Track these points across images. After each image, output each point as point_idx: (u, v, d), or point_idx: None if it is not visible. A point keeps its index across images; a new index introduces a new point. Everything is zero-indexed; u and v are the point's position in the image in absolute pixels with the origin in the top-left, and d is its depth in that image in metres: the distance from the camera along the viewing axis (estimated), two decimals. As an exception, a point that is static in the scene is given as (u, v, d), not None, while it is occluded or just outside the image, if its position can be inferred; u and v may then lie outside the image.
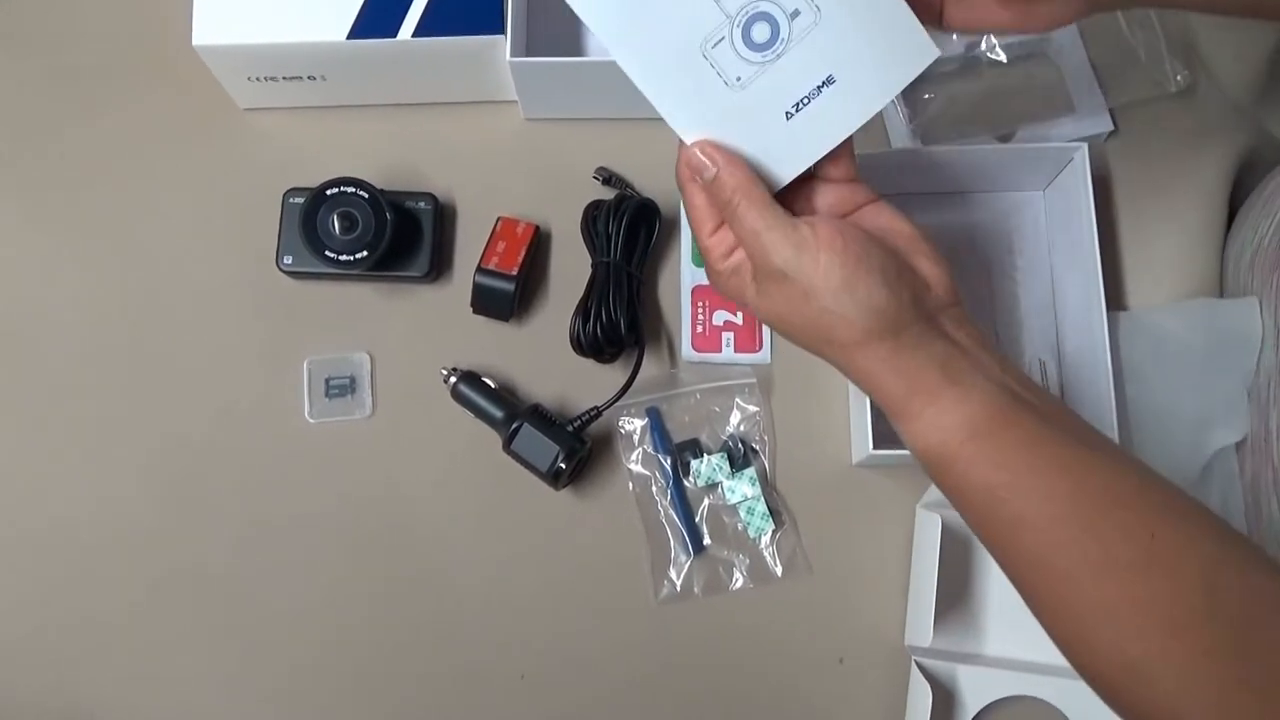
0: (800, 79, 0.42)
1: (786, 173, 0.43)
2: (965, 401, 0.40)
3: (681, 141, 0.43)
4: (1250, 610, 0.35)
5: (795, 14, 0.41)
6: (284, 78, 0.62)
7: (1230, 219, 0.62)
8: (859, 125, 0.43)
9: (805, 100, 0.42)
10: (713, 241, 0.44)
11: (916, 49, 0.42)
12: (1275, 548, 0.54)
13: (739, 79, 0.41)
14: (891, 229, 0.43)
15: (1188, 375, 0.55)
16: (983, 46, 0.62)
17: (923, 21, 0.44)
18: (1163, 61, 0.62)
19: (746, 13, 0.40)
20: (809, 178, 0.44)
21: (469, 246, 0.63)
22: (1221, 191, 0.61)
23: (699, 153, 0.42)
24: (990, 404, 0.40)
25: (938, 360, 0.40)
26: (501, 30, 0.58)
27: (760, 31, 0.41)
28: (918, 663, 0.56)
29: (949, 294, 0.42)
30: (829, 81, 0.42)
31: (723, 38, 0.41)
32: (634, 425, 0.62)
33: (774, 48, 0.41)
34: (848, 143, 0.44)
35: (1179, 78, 0.62)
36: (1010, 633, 0.58)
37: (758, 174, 0.42)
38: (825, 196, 0.45)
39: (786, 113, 0.42)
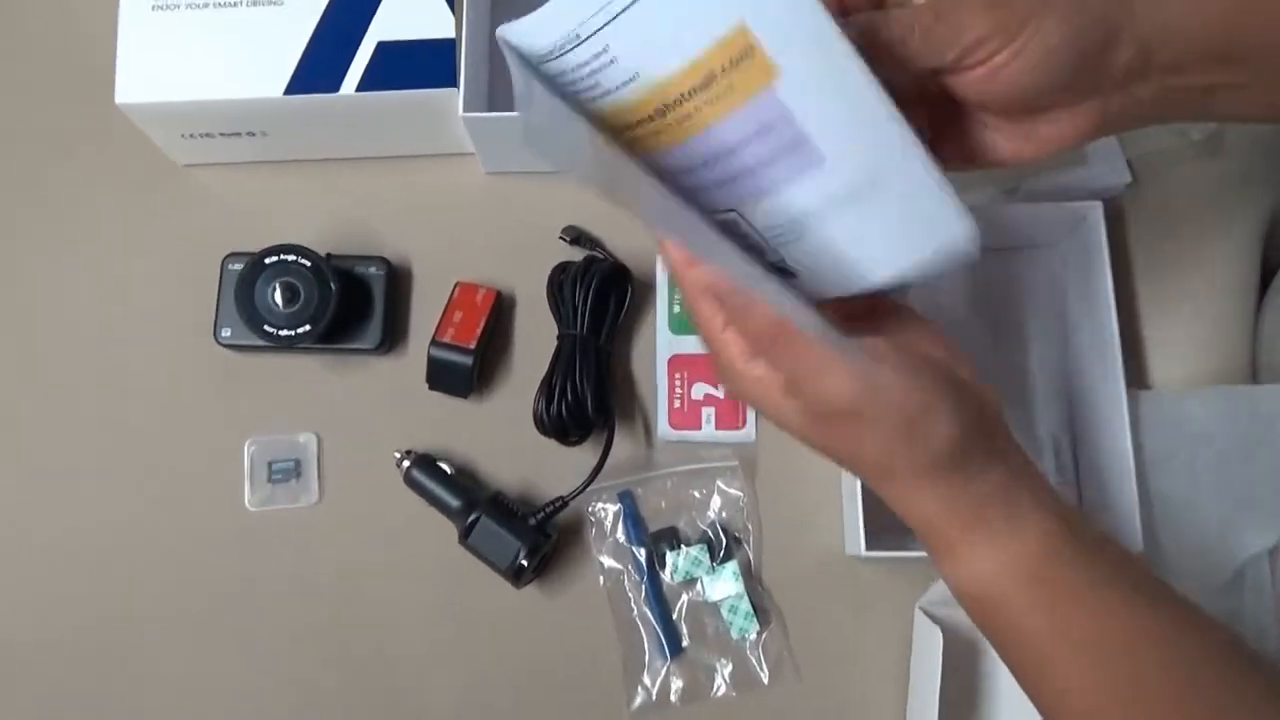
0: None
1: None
2: (1021, 538, 0.37)
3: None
4: None
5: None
6: (221, 134, 0.57)
7: (1265, 283, 0.55)
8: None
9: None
10: (728, 337, 0.38)
11: (956, 227, 0.36)
12: None
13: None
14: (935, 342, 0.38)
15: (1217, 470, 0.49)
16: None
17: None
18: (1186, 107, 0.56)
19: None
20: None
21: (425, 314, 0.58)
22: (1253, 253, 0.55)
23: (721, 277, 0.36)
24: (1047, 540, 0.37)
25: (997, 490, 0.37)
26: (454, 82, 0.53)
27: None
28: (919, 783, 0.51)
29: (998, 408, 0.38)
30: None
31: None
32: (606, 512, 0.56)
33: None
34: None
35: (1203, 124, 0.56)
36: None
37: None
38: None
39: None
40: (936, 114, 0.38)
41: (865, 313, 0.39)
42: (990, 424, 0.38)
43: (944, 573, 0.38)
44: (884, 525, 0.53)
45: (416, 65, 0.54)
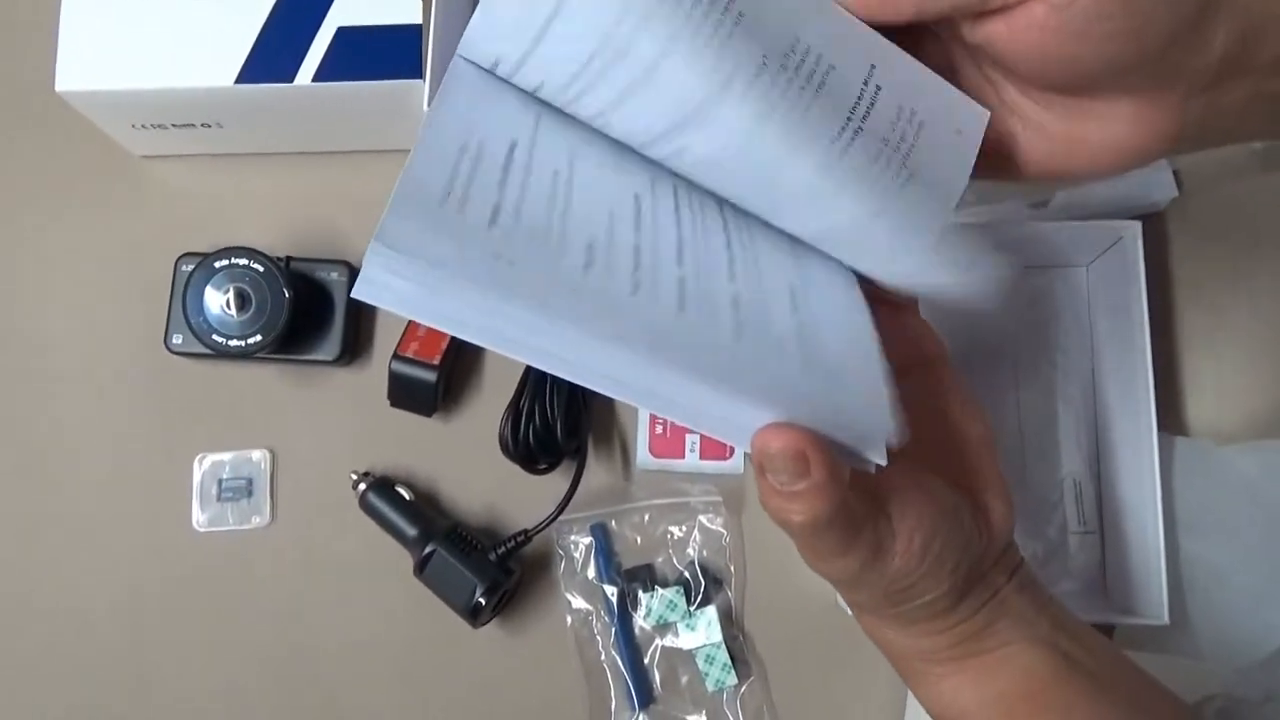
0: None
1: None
2: (1002, 669, 0.33)
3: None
4: None
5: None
6: (174, 125, 0.53)
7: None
8: None
9: None
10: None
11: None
12: None
13: None
14: (964, 434, 0.33)
15: (1261, 534, 0.43)
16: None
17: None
18: (1243, 113, 0.50)
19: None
20: None
21: (390, 324, 0.54)
22: (1315, 286, 0.49)
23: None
24: (1030, 675, 0.33)
25: (982, 618, 0.33)
26: (419, 74, 0.48)
27: None
28: None
29: (1007, 534, 0.33)
30: None
31: None
32: (577, 544, 0.52)
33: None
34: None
35: (1264, 133, 0.50)
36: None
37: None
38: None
39: None
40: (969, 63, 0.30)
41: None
42: (994, 554, 0.33)
43: (916, 694, 0.35)
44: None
45: (379, 53, 0.49)
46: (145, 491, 0.53)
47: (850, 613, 0.44)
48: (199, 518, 0.53)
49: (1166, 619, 0.43)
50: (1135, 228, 0.47)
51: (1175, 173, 0.51)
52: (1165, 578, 0.43)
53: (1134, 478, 0.47)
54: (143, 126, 0.53)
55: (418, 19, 0.49)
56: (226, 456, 0.53)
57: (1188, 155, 0.51)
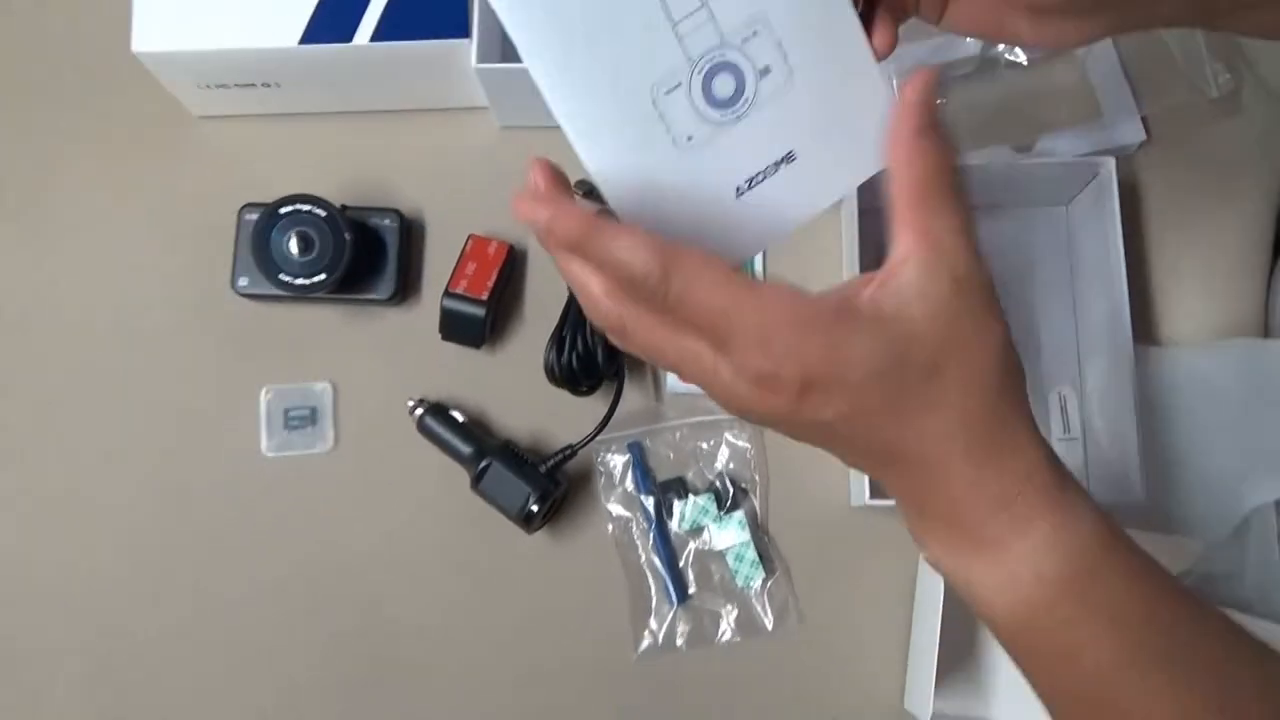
0: (758, 149, 0.34)
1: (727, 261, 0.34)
2: (1074, 529, 0.29)
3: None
4: None
5: (765, 71, 0.33)
6: (236, 85, 0.57)
7: (1278, 243, 0.55)
8: (813, 215, 0.35)
9: (760, 176, 0.34)
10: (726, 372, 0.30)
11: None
12: None
13: (689, 138, 0.33)
14: (949, 240, 0.31)
15: (1224, 423, 0.50)
16: (1000, 47, 0.57)
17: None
18: (1202, 63, 0.56)
19: (711, 60, 0.33)
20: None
21: (438, 266, 0.59)
22: (1266, 215, 0.55)
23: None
24: (1100, 535, 0.30)
25: (1036, 468, 0.30)
26: (467, 33, 0.53)
27: (723, 85, 0.33)
28: (918, 727, 0.52)
29: (1020, 371, 0.31)
30: (789, 158, 0.34)
31: (679, 84, 0.33)
32: (615, 462, 0.57)
33: (735, 107, 0.34)
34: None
35: (1220, 81, 0.56)
36: (1020, 700, 0.53)
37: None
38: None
39: (737, 188, 0.34)
40: None
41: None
42: (1021, 377, 0.30)
43: (969, 580, 0.31)
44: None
45: (430, 15, 0.54)
46: (216, 422, 0.58)
47: (869, 500, 0.50)
48: (267, 444, 0.58)
49: (1143, 495, 0.49)
50: (1110, 162, 0.53)
51: (1144, 119, 0.57)
52: (1140, 460, 0.50)
53: (1113, 385, 0.53)
54: (207, 86, 0.57)
55: (464, -16, 0.54)
56: (291, 388, 0.58)
57: (1155, 105, 0.57)
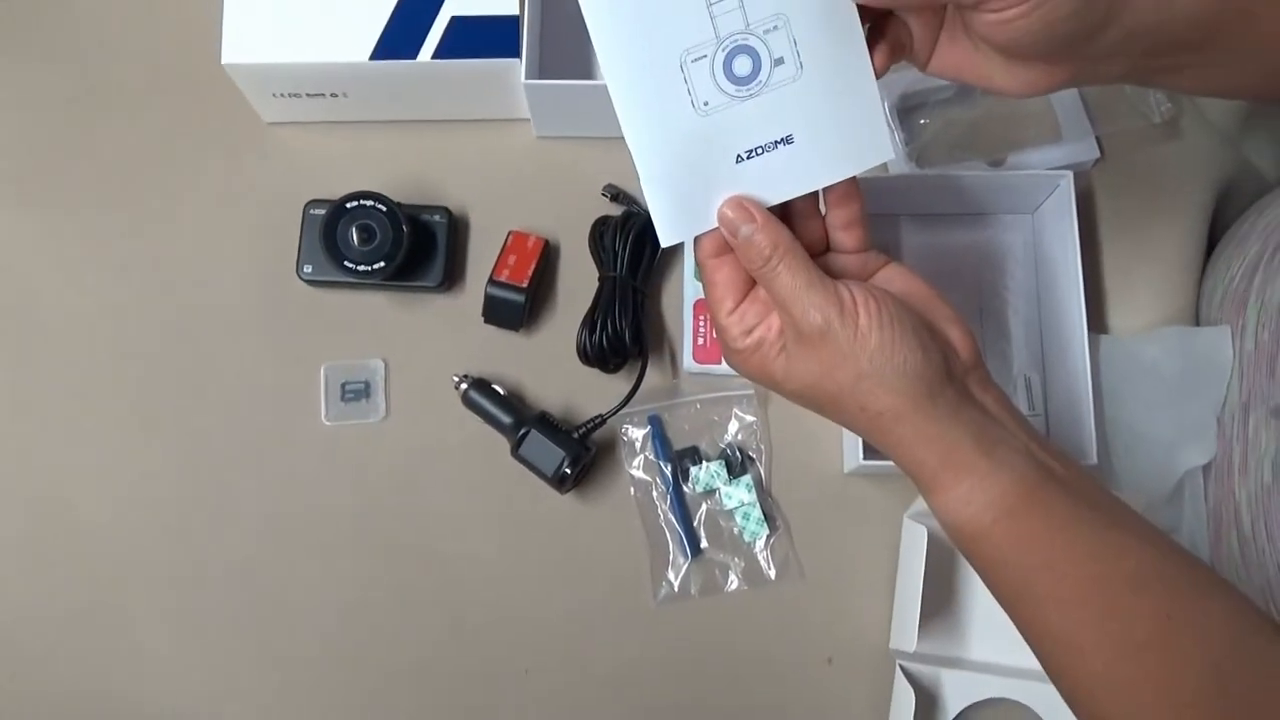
0: (762, 127, 0.41)
1: (714, 217, 0.42)
2: (998, 476, 0.40)
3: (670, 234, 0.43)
4: (1259, 690, 0.37)
5: (779, 61, 0.40)
6: (307, 94, 0.65)
7: (1210, 248, 0.64)
8: (801, 193, 0.42)
9: (759, 150, 0.41)
10: (732, 320, 0.43)
11: (876, 144, 0.42)
12: (1234, 577, 0.56)
13: (706, 104, 0.40)
14: (911, 291, 0.43)
15: (1161, 399, 0.58)
16: (976, 77, 0.65)
17: (919, 52, 0.45)
18: (1148, 94, 0.65)
19: (736, 41, 0.39)
20: (824, 249, 0.45)
21: (481, 258, 0.66)
22: (1200, 223, 0.63)
23: (737, 207, 0.41)
24: (1022, 481, 0.40)
25: (971, 429, 0.40)
26: (517, 54, 0.61)
27: (742, 65, 0.40)
28: (902, 666, 0.59)
29: (973, 356, 0.42)
30: (787, 140, 0.41)
31: (705, 56, 0.39)
32: (636, 433, 0.64)
33: (749, 86, 0.40)
34: (862, 211, 0.44)
35: (1163, 109, 0.65)
36: (991, 638, 0.60)
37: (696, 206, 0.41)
38: (841, 265, 0.45)
39: (738, 155, 0.41)
40: (954, 33, 0.43)
41: (843, 265, 0.44)
42: (961, 366, 0.41)
43: (931, 506, 0.42)
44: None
45: (484, 37, 0.62)
46: (282, 393, 0.65)
47: (863, 461, 0.57)
48: (326, 414, 0.64)
49: (1095, 460, 0.57)
50: (1069, 176, 0.61)
51: (1098, 139, 0.66)
52: (1094, 432, 0.58)
53: (1071, 368, 0.61)
54: (282, 95, 0.65)
55: (514, 11, 0.62)
56: (347, 364, 0.65)
57: (1108, 127, 0.66)
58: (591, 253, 0.65)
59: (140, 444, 0.64)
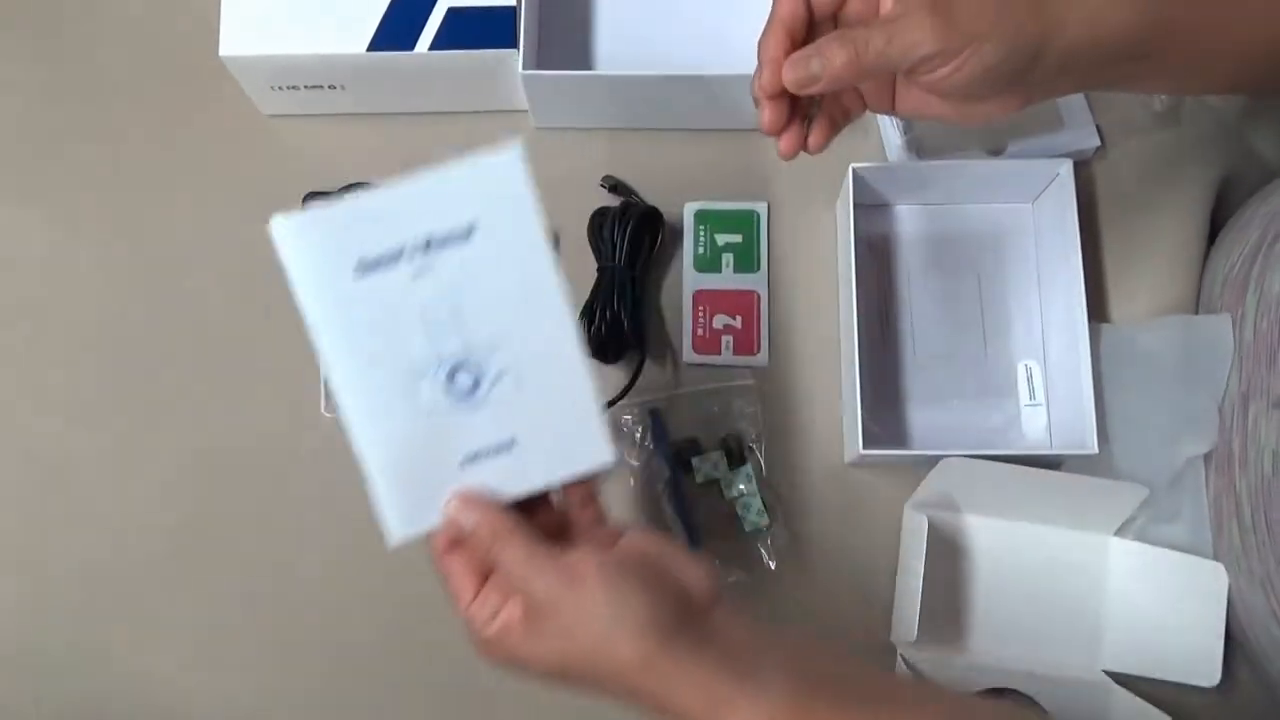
0: (485, 432, 0.43)
1: (436, 517, 0.43)
2: (760, 701, 0.39)
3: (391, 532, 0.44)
4: None
5: (499, 377, 0.42)
6: (305, 86, 0.65)
7: (1211, 238, 0.64)
8: (525, 494, 0.44)
9: (483, 453, 0.43)
10: (474, 608, 0.43)
11: (595, 449, 0.44)
12: (1235, 568, 0.56)
13: (429, 413, 0.42)
14: (645, 548, 0.43)
15: (1162, 388, 0.58)
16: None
17: (876, 107, 0.48)
18: (1148, 81, 0.64)
19: (456, 359, 0.42)
20: (566, 525, 0.46)
21: (480, 250, 0.66)
22: (1201, 212, 0.63)
23: (460, 502, 0.42)
24: (790, 695, 0.39)
25: (723, 661, 0.40)
26: (514, 44, 0.61)
27: (463, 380, 0.42)
28: (903, 656, 0.59)
29: (711, 593, 0.42)
30: (509, 445, 0.43)
31: (427, 372, 0.42)
32: (637, 425, 0.64)
33: (470, 399, 0.42)
34: (595, 489, 0.46)
35: (1163, 97, 0.65)
36: (993, 629, 0.60)
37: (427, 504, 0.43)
38: (582, 539, 0.45)
39: (464, 457, 0.43)
40: (907, 82, 0.45)
41: (583, 539, 0.44)
42: (700, 606, 0.41)
43: None
44: (876, 435, 0.62)
45: (481, 28, 0.62)
46: (280, 385, 0.65)
47: (863, 452, 0.57)
48: (326, 405, 0.64)
49: (1096, 449, 0.57)
50: (1068, 163, 0.61)
51: (1098, 127, 0.66)
52: (1095, 421, 0.57)
53: (1072, 358, 0.61)
54: (279, 88, 0.65)
55: (512, 2, 0.62)
56: (348, 356, 0.65)
57: (1107, 115, 0.66)
58: (590, 243, 0.65)
59: (138, 434, 0.64)
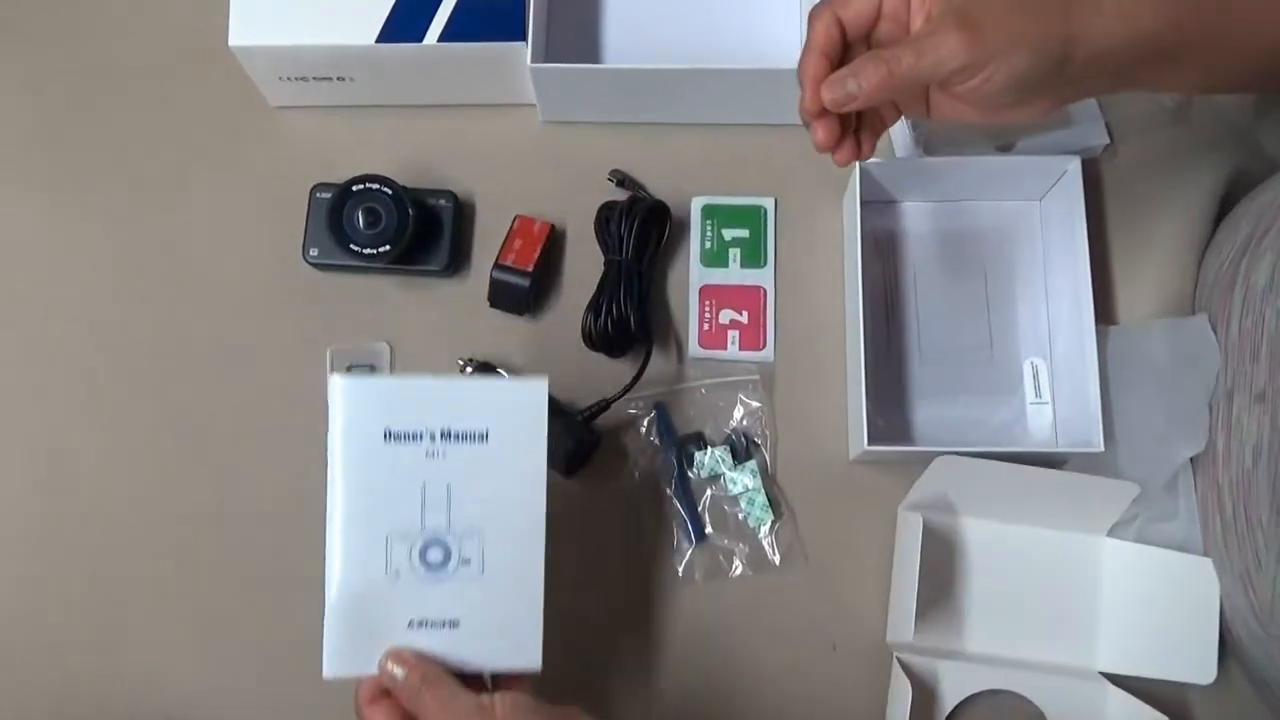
0: (437, 605, 0.47)
1: (374, 665, 0.47)
2: None
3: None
4: None
5: (466, 561, 0.48)
6: (314, 78, 0.65)
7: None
8: (453, 670, 0.47)
9: (429, 623, 0.47)
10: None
11: (527, 653, 0.48)
12: (1218, 563, 0.56)
13: (397, 573, 0.47)
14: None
15: (1156, 390, 0.58)
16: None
17: (911, 112, 0.49)
18: (1158, 79, 0.64)
19: (436, 534, 0.48)
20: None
21: (487, 243, 0.66)
22: (1208, 210, 0.63)
23: (395, 656, 0.46)
24: None
25: None
26: (523, 37, 0.61)
27: (435, 554, 0.48)
28: (899, 658, 0.59)
29: None
30: (454, 623, 0.48)
31: (407, 538, 0.47)
32: (642, 418, 0.64)
33: (436, 572, 0.48)
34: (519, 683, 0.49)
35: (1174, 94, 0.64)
36: (988, 629, 0.60)
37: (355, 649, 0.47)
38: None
39: (411, 621, 0.47)
40: (941, 91, 0.47)
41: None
42: None
43: None
44: (881, 431, 0.62)
45: (490, 20, 0.61)
46: (288, 375, 0.65)
47: (868, 448, 0.57)
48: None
49: (1102, 447, 0.57)
50: (1076, 160, 0.61)
51: (1107, 124, 0.65)
52: (1100, 419, 0.57)
53: (1077, 355, 0.61)
54: (288, 79, 0.65)
55: (521, -6, 0.62)
56: (353, 347, 0.65)
57: (1117, 112, 0.66)
58: (597, 237, 0.65)
59: (144, 425, 0.64)
